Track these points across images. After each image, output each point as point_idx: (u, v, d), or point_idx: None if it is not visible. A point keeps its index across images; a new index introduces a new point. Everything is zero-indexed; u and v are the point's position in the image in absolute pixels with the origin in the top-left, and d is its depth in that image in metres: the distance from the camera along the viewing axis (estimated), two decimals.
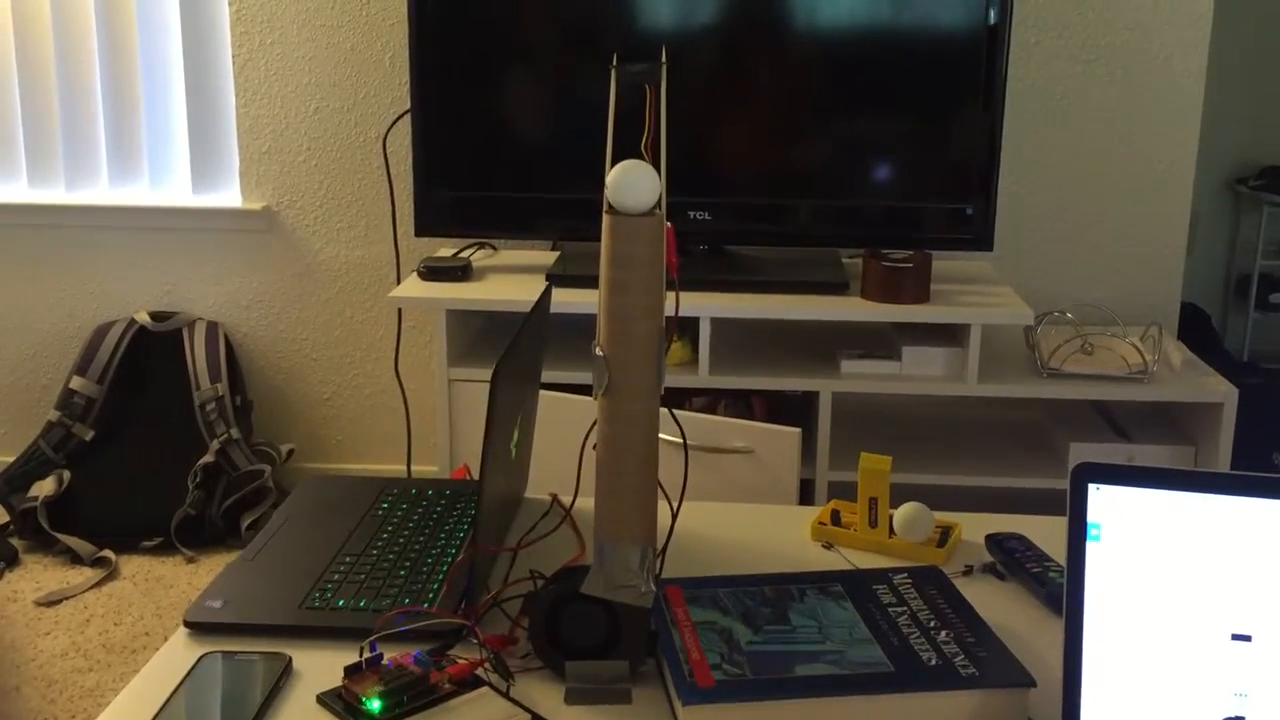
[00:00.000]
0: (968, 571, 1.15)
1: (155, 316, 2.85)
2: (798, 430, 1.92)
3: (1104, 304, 2.68)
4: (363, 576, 1.10)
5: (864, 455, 1.20)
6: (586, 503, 1.28)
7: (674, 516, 1.04)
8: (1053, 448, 2.35)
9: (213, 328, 2.84)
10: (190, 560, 2.55)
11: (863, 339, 2.44)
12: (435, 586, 1.08)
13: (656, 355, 0.89)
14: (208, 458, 2.67)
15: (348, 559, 1.13)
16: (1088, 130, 2.62)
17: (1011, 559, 1.14)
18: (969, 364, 2.20)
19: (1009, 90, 2.50)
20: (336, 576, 1.10)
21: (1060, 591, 1.06)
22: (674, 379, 2.24)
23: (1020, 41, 2.58)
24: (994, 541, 1.17)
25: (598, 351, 0.89)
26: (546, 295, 1.26)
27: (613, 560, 0.91)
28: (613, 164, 0.88)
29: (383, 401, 2.95)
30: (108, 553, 2.55)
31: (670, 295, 0.90)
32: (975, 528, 1.24)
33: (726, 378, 2.24)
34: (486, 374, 2.26)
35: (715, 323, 2.45)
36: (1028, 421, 2.51)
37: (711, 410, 2.39)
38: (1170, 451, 2.24)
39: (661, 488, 0.95)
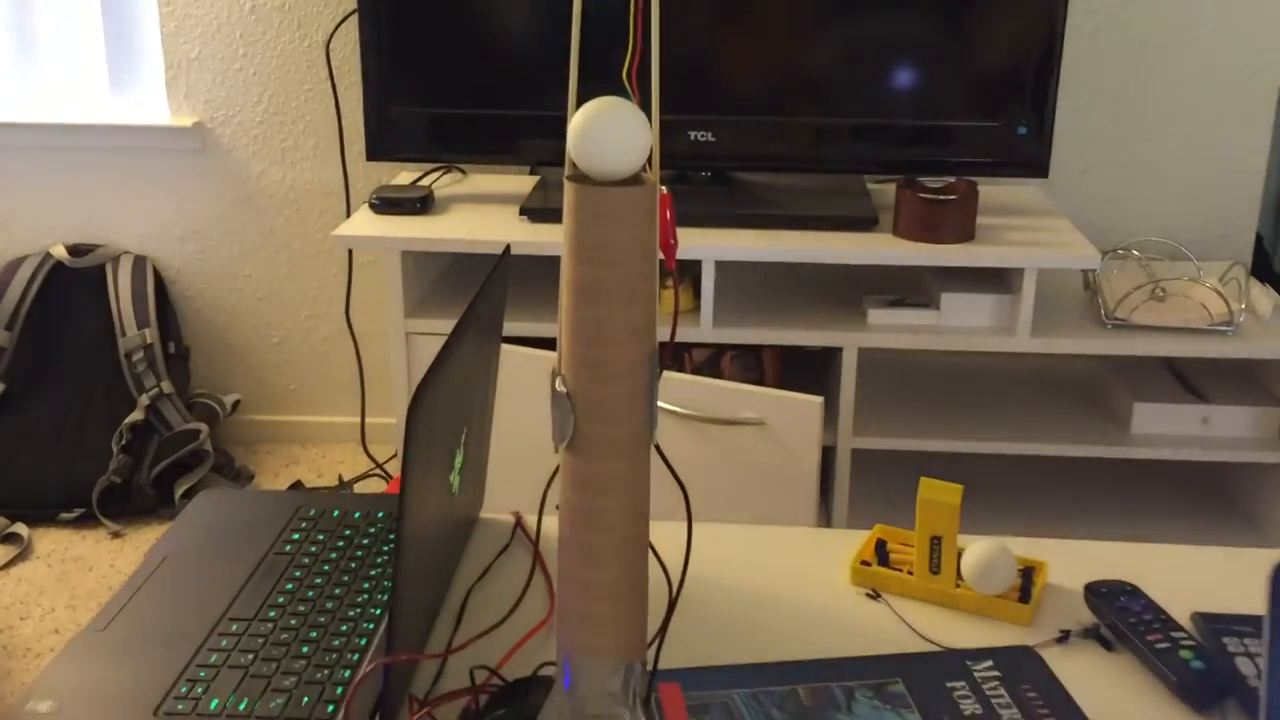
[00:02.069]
0: (1064, 638, 0.90)
1: (73, 251, 2.57)
2: (819, 399, 1.66)
3: (1173, 238, 2.40)
4: (250, 657, 0.84)
5: (926, 482, 0.94)
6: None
7: (672, 603, 0.78)
8: (1113, 410, 2.09)
9: (140, 263, 2.56)
10: (116, 535, 2.31)
11: (894, 284, 2.17)
12: (346, 675, 0.82)
13: (646, 391, 0.62)
14: (135, 415, 2.41)
15: (234, 628, 0.88)
16: (1155, 32, 2.32)
17: (1124, 621, 0.89)
18: (1021, 314, 1.93)
19: None
20: (214, 659, 0.84)
21: (1198, 681, 0.81)
22: (666, 334, 1.98)
23: None
24: (1097, 595, 0.92)
25: (558, 386, 0.62)
26: (502, 264, 0.99)
27: (584, 681, 0.66)
28: (577, 105, 0.60)
29: (339, 345, 2.68)
30: (19, 527, 2.30)
31: (667, 295, 0.63)
32: (1067, 565, 0.99)
33: (733, 330, 1.98)
34: (449, 326, 1.99)
35: (720, 266, 2.18)
36: (1081, 378, 2.26)
37: (715, 367, 2.13)
38: (1254, 415, 1.99)
39: (653, 554, 0.69)
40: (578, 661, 0.65)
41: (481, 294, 0.92)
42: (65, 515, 2.35)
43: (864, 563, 0.98)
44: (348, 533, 1.03)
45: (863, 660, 0.80)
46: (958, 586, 0.94)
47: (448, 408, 0.81)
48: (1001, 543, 0.95)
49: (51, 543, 2.28)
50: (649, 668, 0.70)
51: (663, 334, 1.97)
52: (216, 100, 2.52)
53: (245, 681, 0.82)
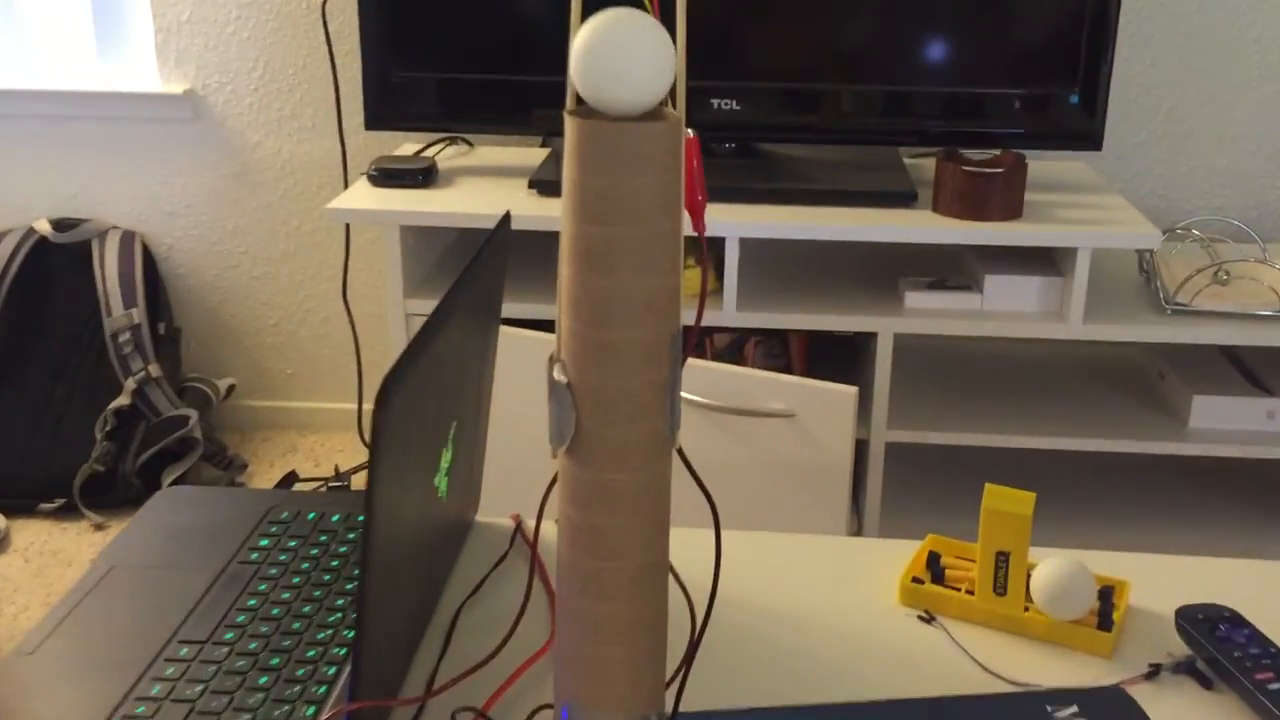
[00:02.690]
0: (1153, 674, 0.78)
1: (58, 225, 2.46)
2: (853, 390, 1.55)
3: (1237, 217, 2.27)
4: (199, 689, 0.73)
5: (992, 490, 0.81)
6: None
7: (695, 643, 0.67)
8: (1170, 403, 1.97)
9: (128, 238, 2.45)
10: (98, 527, 2.20)
11: (933, 264, 2.04)
12: (310, 714, 0.71)
13: (667, 382, 0.50)
14: (121, 400, 2.31)
15: (183, 652, 0.77)
16: None
17: (1225, 655, 0.77)
18: (1072, 298, 1.80)
19: None
20: (156, 690, 0.73)
21: None
22: (691, 316, 1.85)
23: None
24: (1191, 622, 0.80)
25: (557, 375, 0.50)
26: (499, 233, 0.87)
27: None
28: (583, 18, 0.48)
29: (339, 327, 2.57)
30: None
31: (691, 275, 0.51)
32: (1150, 585, 0.87)
33: (759, 314, 1.86)
34: None
35: (745, 244, 2.06)
36: (1134, 367, 2.13)
37: (739, 351, 2.01)
38: None
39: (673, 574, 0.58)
40: (579, 714, 0.54)
41: (474, 267, 0.80)
42: (46, 505, 2.24)
43: (915, 580, 0.86)
44: (323, 538, 0.91)
45: (919, 704, 0.68)
46: (1026, 610, 0.82)
47: (431, 398, 0.69)
48: (1078, 559, 0.83)
49: (30, 535, 2.18)
50: (667, 717, 0.58)
51: (684, 316, 1.85)
52: (209, 66, 2.41)
53: (190, 719, 0.70)
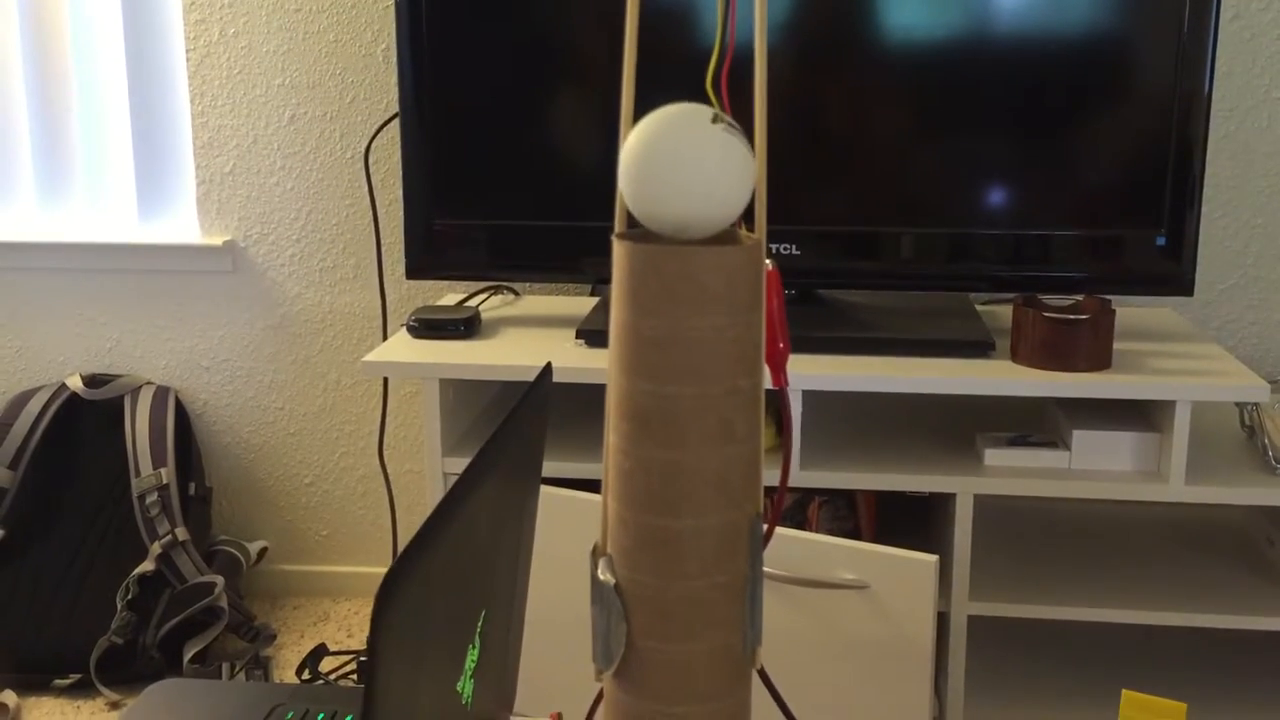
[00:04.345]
0: None
1: (90, 382, 2.40)
2: (933, 559, 1.42)
3: None
4: None
5: (1130, 698, 0.68)
6: None
7: None
8: (1272, 569, 1.81)
9: (162, 394, 2.39)
10: (114, 706, 2.08)
11: (1014, 419, 1.92)
12: None
13: (745, 585, 0.39)
14: (145, 566, 2.21)
15: None
16: None
17: None
18: (1172, 456, 1.67)
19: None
20: None
21: None
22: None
23: None
24: None
25: (602, 574, 0.39)
26: (540, 387, 0.77)
27: None
28: (636, 117, 0.39)
29: (377, 487, 2.48)
30: (7, 695, 2.09)
31: (771, 433, 0.40)
32: None
33: (825, 473, 1.74)
34: None
35: (809, 396, 1.95)
36: (1237, 531, 1.97)
37: (802, 513, 1.88)
38: None
39: None
40: None
41: (509, 425, 0.69)
42: (60, 681, 2.13)
43: None
44: None
45: None
46: None
47: (453, 588, 0.58)
48: None
49: (42, 714, 2.06)
50: None
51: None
52: (251, 217, 2.38)
53: None
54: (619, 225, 0.40)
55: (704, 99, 0.41)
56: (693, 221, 0.37)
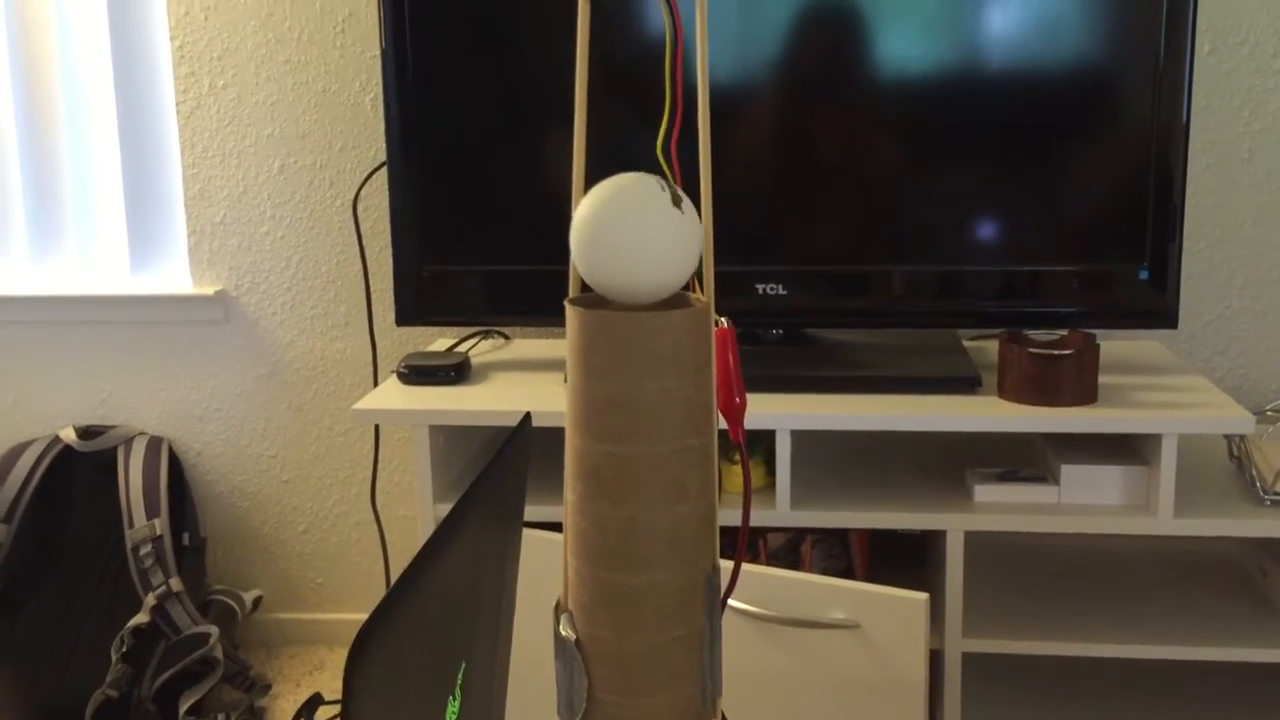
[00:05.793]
0: None
1: (84, 434, 2.41)
2: (924, 596, 1.43)
3: None
4: None
5: None
6: None
7: None
8: (1266, 600, 1.81)
9: (154, 445, 2.39)
10: None
11: (1001, 454, 1.93)
12: None
13: (702, 638, 0.40)
14: (140, 618, 2.21)
15: None
16: None
17: None
18: (1160, 489, 1.68)
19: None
20: None
21: None
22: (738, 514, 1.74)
23: None
24: None
25: (563, 630, 0.40)
26: (520, 435, 0.78)
27: None
28: (586, 186, 0.40)
29: (370, 533, 2.48)
30: None
31: (730, 472, 0.41)
32: None
33: (815, 512, 1.75)
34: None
35: (797, 436, 1.96)
36: (1227, 561, 1.98)
37: (794, 552, 1.89)
38: None
39: None
40: None
41: (488, 475, 0.71)
42: None
43: None
44: None
45: None
46: None
47: (431, 643, 0.59)
48: None
49: None
50: None
51: (725, 517, 1.74)
52: (242, 267, 2.40)
53: None
54: (573, 290, 0.41)
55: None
56: (641, 288, 0.39)
